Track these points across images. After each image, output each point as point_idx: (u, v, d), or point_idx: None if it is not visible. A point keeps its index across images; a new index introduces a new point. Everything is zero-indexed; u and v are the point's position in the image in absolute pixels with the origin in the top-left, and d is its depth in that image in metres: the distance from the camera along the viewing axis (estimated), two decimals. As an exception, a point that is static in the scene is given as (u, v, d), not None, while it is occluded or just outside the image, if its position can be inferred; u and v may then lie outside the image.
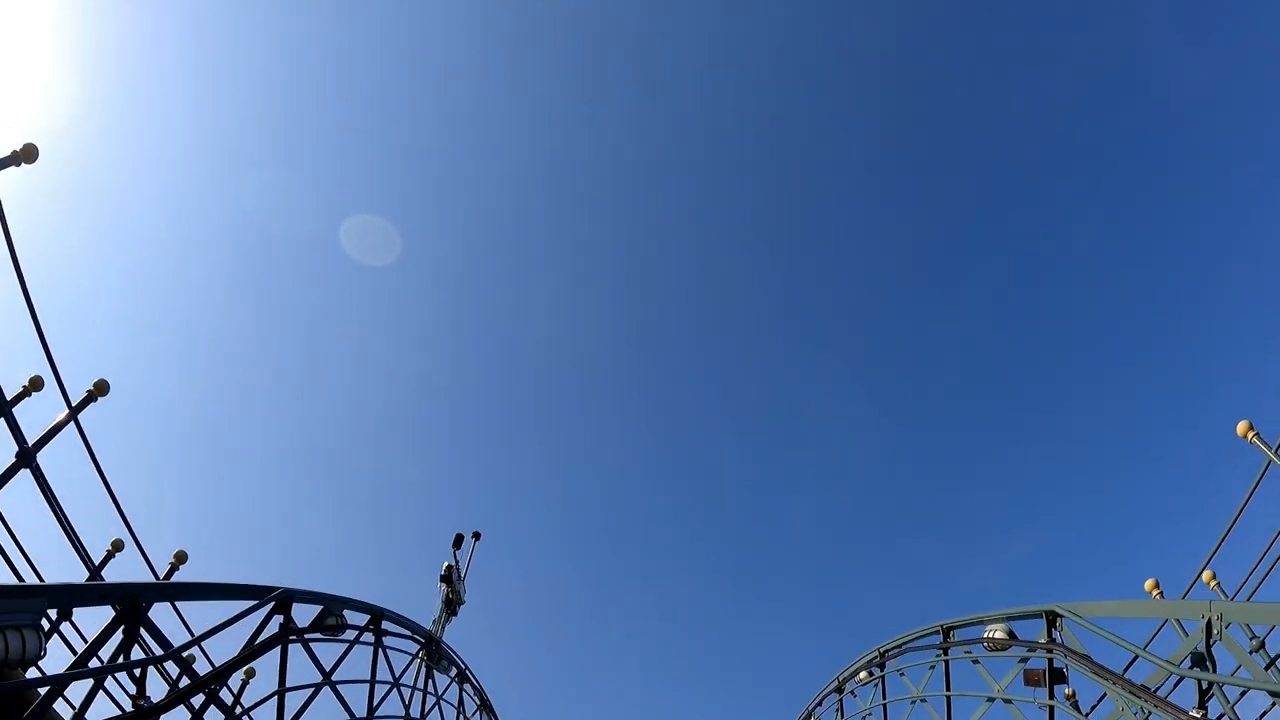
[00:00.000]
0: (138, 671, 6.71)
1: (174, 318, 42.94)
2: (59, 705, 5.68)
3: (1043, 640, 8.79)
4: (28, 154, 6.91)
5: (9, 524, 7.97)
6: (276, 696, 7.89)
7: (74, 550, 8.41)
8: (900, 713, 11.75)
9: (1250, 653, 7.87)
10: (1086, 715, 9.69)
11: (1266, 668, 8.08)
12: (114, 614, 5.82)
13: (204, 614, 8.33)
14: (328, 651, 8.97)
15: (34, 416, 7.78)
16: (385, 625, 10.92)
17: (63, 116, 34.06)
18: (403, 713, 11.36)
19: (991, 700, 9.49)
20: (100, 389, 8.56)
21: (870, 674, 13.08)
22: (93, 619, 6.32)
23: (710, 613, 48.08)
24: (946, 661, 10.64)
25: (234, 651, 7.39)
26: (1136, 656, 7.94)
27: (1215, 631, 6.94)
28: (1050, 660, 8.72)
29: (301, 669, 8.58)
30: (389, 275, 43.92)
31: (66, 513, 8.04)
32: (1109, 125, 40.96)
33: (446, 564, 17.25)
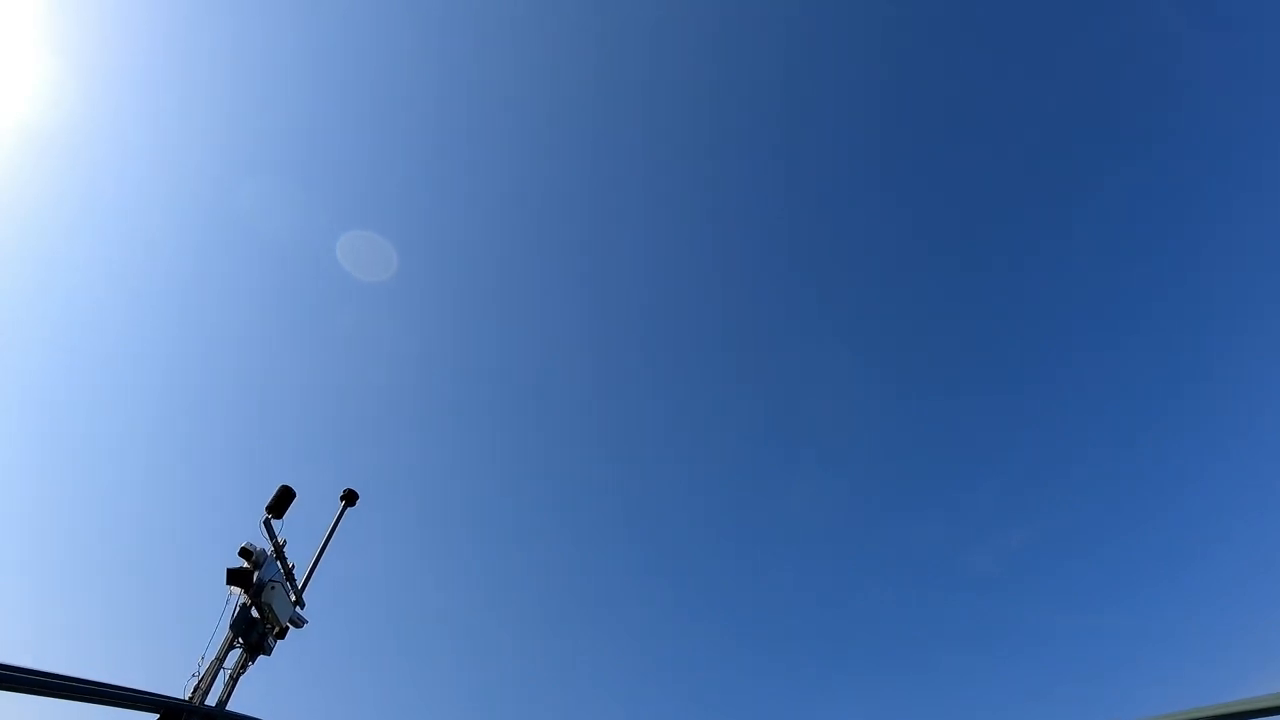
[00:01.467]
0: None
1: (164, 317, 40.78)
2: None
3: None
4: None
5: None
6: None
7: None
8: None
9: None
10: None
11: None
12: None
13: None
14: None
15: None
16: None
17: (57, 117, 32.42)
18: None
19: None
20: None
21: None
22: None
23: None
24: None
25: None
26: None
27: None
28: None
29: None
30: (381, 291, 41.43)
31: None
32: (1093, 127, 38.30)
33: (244, 546, 8.68)
